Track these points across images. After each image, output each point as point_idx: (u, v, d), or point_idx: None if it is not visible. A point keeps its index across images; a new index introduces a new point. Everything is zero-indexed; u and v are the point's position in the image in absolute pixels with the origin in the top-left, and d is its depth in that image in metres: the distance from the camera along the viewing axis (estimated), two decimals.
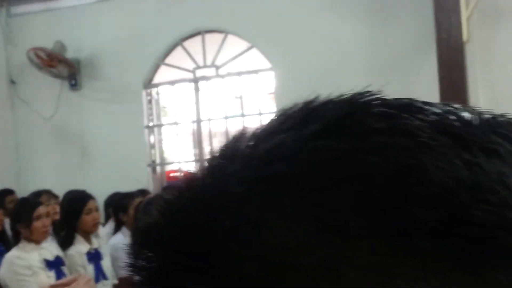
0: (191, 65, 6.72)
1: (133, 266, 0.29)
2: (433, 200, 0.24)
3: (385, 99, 0.29)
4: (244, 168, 0.27)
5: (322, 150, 0.26)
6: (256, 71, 6.45)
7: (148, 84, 6.79)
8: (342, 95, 0.29)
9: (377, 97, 0.29)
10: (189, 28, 6.53)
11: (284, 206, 0.25)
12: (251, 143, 0.28)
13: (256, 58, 6.37)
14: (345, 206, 0.25)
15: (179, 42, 6.63)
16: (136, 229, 0.31)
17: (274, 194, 0.26)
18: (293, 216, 0.25)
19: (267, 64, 6.31)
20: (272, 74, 6.31)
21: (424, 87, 4.38)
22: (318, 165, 0.26)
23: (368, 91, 0.29)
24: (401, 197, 0.25)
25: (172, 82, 6.81)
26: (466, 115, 0.28)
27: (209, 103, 6.74)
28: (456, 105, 0.29)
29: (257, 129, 0.29)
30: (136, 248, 0.29)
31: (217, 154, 0.29)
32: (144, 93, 6.78)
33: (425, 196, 0.24)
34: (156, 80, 6.84)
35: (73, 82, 6.79)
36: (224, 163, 0.28)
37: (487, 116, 0.28)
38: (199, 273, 0.26)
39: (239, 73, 6.52)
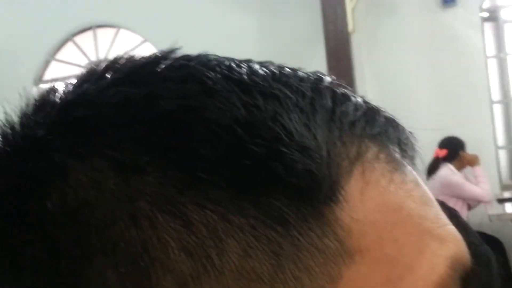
0: (83, 61, 6.58)
1: None
2: (212, 137, 0.27)
3: (188, 54, 0.32)
4: (49, 115, 0.30)
5: (116, 96, 0.29)
6: None
7: (39, 80, 6.59)
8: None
9: (181, 53, 0.32)
10: (80, 23, 6.38)
11: (82, 148, 0.28)
12: (60, 94, 0.31)
13: (150, 52, 6.31)
14: (133, 144, 0.27)
15: (70, 37, 6.47)
16: None
17: (74, 137, 0.28)
18: (90, 157, 0.27)
19: None
20: None
21: None
22: (111, 109, 0.28)
23: (177, 48, 0.32)
24: (183, 134, 0.27)
25: (65, 78, 6.64)
26: (255, 66, 0.31)
27: None
28: (252, 60, 0.33)
29: (69, 82, 0.32)
30: None
31: (31, 106, 0.31)
32: (35, 90, 6.57)
33: (205, 133, 0.27)
34: (47, 76, 6.64)
35: None
36: (34, 112, 0.31)
37: (275, 68, 0.32)
38: (14, 217, 0.28)
39: None
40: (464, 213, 4.62)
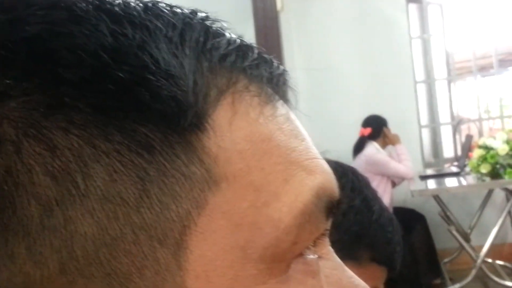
0: None
1: None
2: (77, 62, 0.27)
3: None
4: None
5: None
6: None
7: None
8: None
9: None
10: None
11: None
12: None
13: None
14: None
15: None
16: None
17: None
18: None
19: None
20: None
21: None
22: None
23: None
24: (48, 59, 0.27)
25: None
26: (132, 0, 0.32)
27: None
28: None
29: None
30: None
31: None
32: None
33: (70, 58, 0.27)
34: None
35: None
36: None
37: (150, 2, 0.32)
38: None
39: None
40: (388, 189, 4.75)
